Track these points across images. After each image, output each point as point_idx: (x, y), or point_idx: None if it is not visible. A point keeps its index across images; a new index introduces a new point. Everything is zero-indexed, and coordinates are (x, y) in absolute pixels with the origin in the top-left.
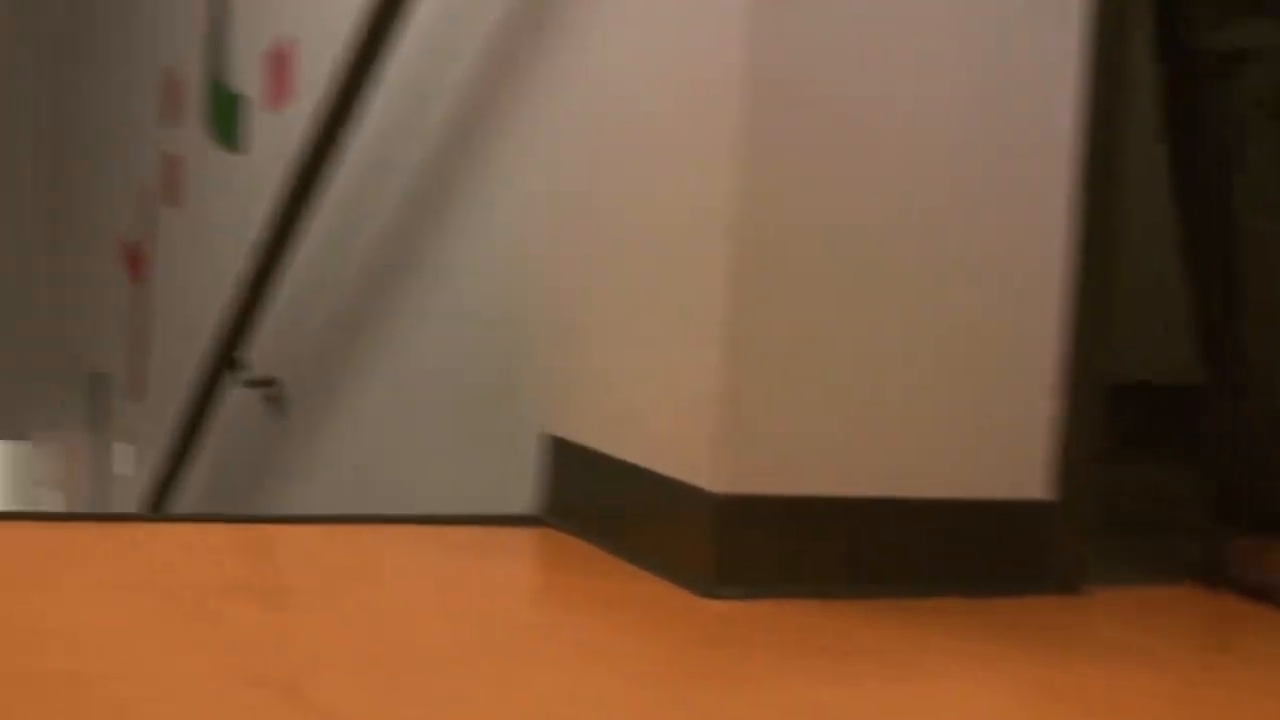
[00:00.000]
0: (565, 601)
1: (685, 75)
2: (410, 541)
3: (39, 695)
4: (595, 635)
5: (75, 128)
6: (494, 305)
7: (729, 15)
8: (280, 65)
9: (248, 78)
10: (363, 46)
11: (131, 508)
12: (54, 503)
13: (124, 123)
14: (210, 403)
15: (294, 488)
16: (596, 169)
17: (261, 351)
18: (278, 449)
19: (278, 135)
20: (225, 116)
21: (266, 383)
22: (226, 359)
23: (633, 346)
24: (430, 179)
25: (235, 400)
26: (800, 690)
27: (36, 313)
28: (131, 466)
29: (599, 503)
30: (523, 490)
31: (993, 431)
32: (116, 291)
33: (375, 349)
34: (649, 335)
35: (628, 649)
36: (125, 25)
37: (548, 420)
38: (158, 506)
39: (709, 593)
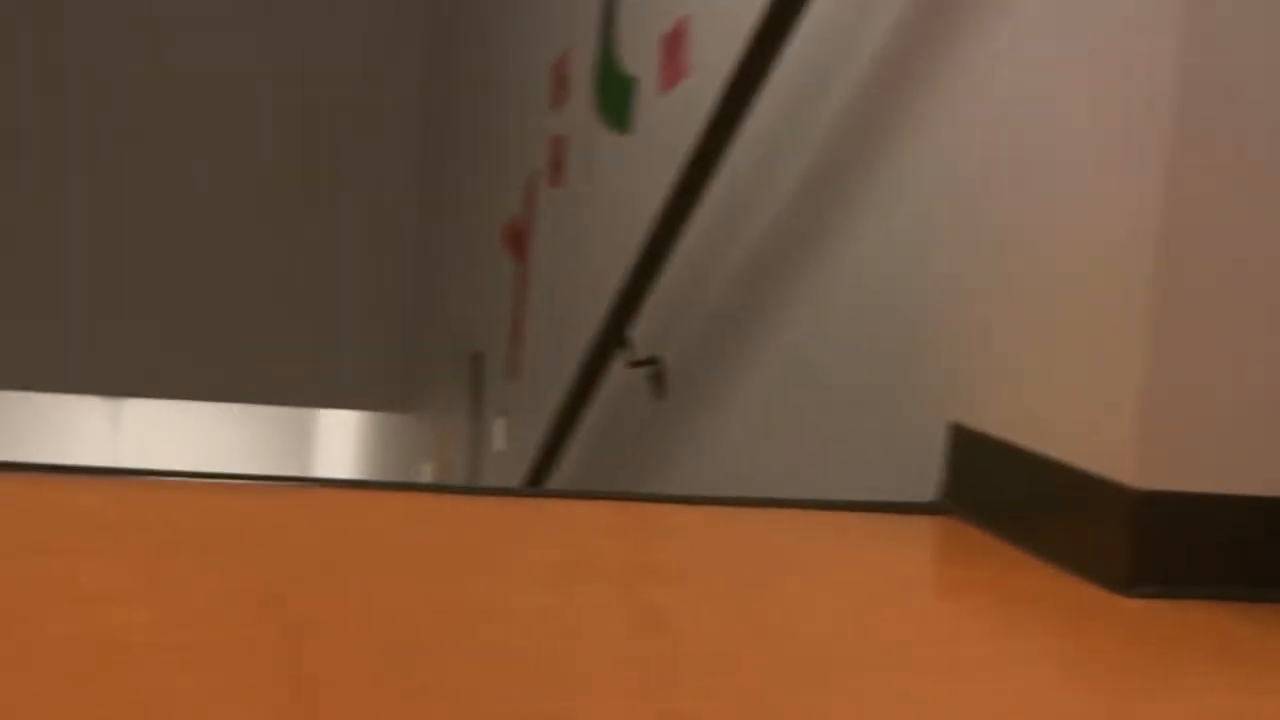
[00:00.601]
0: (976, 594)
1: (1109, 76)
2: (805, 527)
3: (490, 670)
4: (1008, 630)
5: (464, 115)
6: (891, 292)
7: (1161, 15)
8: (674, 46)
9: (639, 59)
10: (765, 28)
11: (504, 483)
12: (425, 475)
13: (513, 108)
14: (595, 381)
15: (673, 467)
16: (1008, 167)
17: (645, 330)
18: (657, 427)
19: (664, 116)
20: (617, 100)
21: (650, 362)
22: (615, 338)
23: (1047, 341)
24: (826, 168)
25: (616, 378)
26: (1221, 697)
27: (423, 292)
28: (505, 443)
29: (1006, 494)
30: (916, 478)
31: None
32: (499, 273)
33: (762, 331)
34: (1066, 330)
35: (1043, 645)
36: (516, 14)
37: (947, 409)
38: (536, 482)
39: (1123, 590)
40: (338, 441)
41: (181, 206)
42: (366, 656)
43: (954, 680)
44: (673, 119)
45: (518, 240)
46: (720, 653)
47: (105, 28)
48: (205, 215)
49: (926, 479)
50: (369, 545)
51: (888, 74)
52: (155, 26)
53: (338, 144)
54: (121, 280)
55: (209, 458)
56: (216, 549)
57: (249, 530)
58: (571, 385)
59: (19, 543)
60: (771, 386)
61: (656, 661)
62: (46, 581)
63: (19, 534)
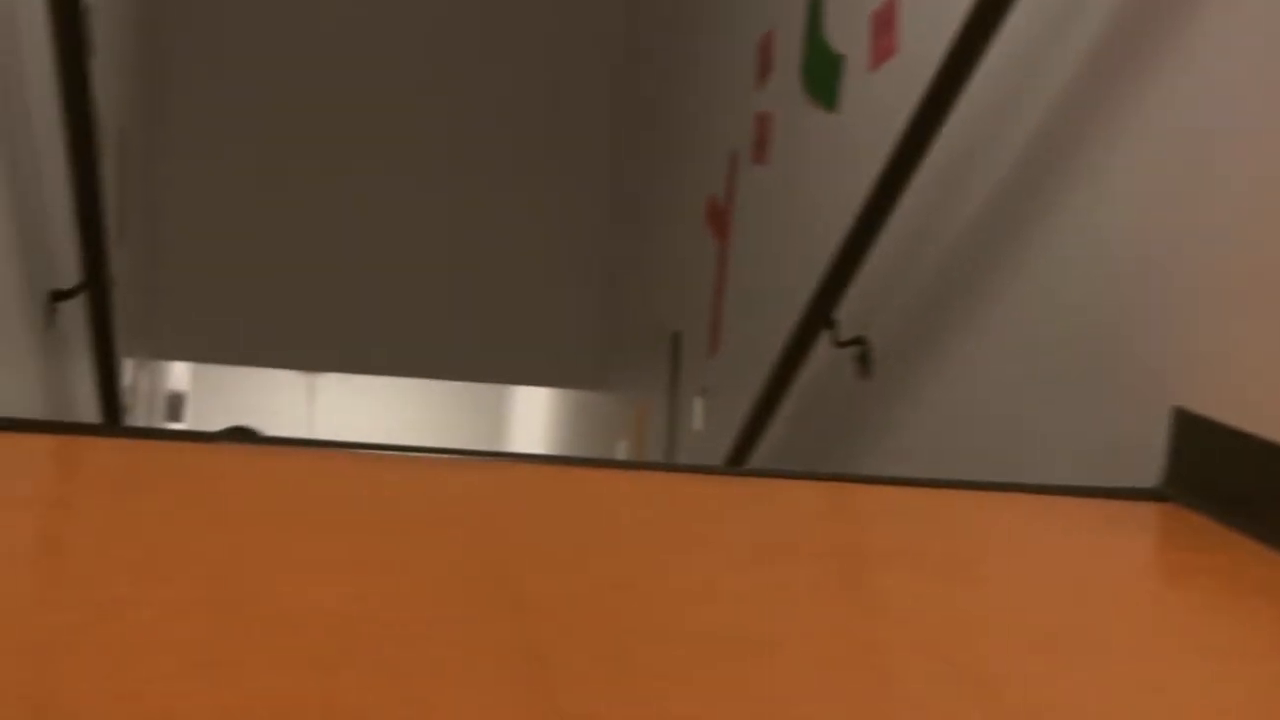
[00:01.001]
0: (1206, 582)
1: None
2: (1020, 510)
3: (711, 651)
4: (1245, 619)
5: (665, 91)
6: (1108, 274)
7: None
8: (884, 24)
9: (848, 37)
10: (982, 4)
11: (701, 462)
12: (620, 453)
13: (716, 85)
14: (799, 361)
15: (878, 448)
16: (1239, 143)
17: (852, 310)
18: (862, 408)
19: (872, 93)
20: (825, 77)
21: (856, 342)
22: (821, 318)
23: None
24: (1043, 143)
25: (821, 358)
26: None
27: (620, 270)
28: (702, 422)
29: (1233, 481)
30: (1133, 463)
31: None
32: (698, 250)
33: (972, 312)
34: None
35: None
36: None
37: (1168, 392)
38: (737, 462)
39: None
40: (530, 418)
41: (379, 184)
42: (591, 635)
43: (1192, 669)
44: (881, 97)
45: (718, 218)
46: (945, 638)
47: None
48: (404, 191)
49: (1144, 465)
50: (582, 521)
51: (1110, 44)
52: (376, 24)
53: (536, 119)
54: (321, 256)
55: (401, 433)
56: (431, 523)
57: (461, 504)
58: (775, 365)
59: (238, 514)
60: (981, 368)
61: (880, 645)
62: (266, 554)
63: (235, 505)
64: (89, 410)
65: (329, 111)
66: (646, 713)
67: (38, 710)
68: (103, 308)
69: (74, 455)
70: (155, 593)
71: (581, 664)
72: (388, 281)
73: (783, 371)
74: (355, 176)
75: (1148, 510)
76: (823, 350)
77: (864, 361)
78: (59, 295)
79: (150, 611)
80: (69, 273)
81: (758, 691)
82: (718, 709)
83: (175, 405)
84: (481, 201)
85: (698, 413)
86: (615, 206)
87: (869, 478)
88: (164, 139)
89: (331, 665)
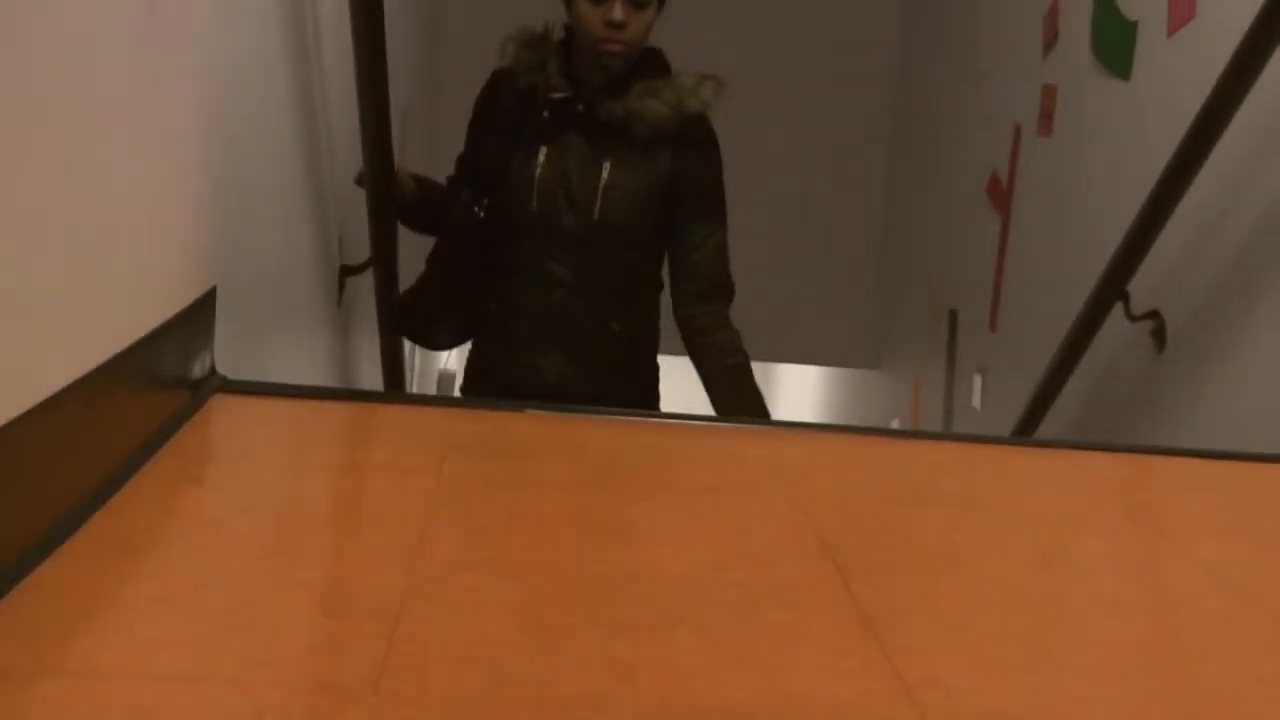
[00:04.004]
0: None
1: None
2: None
3: (1049, 616)
4: None
5: (941, 66)
6: None
7: None
8: None
9: (1141, 2)
10: None
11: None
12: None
13: (997, 60)
14: (1092, 333)
15: (1175, 424)
16: None
17: (1143, 284)
18: (1156, 383)
19: (1167, 60)
20: (1118, 44)
21: (1150, 316)
22: (1114, 292)
23: None
24: None
25: (1109, 333)
26: None
27: (894, 247)
28: (979, 400)
29: None
30: None
31: None
32: (976, 226)
33: (1276, 286)
34: None
35: None
36: None
37: None
38: (1024, 434)
39: None
40: (798, 395)
41: None
42: (924, 605)
43: None
44: (1177, 63)
45: (1000, 192)
46: None
47: None
48: None
49: None
50: (894, 490)
51: None
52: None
53: (812, 91)
54: None
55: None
56: (748, 491)
57: (774, 472)
58: (1066, 338)
59: (555, 480)
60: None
61: (1233, 617)
62: (589, 519)
63: (550, 471)
64: (374, 382)
65: None
66: (993, 679)
67: (382, 671)
68: (390, 283)
69: (378, 422)
70: (482, 555)
71: (919, 632)
72: None
73: (1073, 345)
74: None
75: None
76: (1113, 325)
77: (1159, 336)
78: (347, 270)
79: (479, 575)
80: (355, 250)
81: (1123, 664)
82: (1068, 682)
83: (446, 384)
84: (755, 177)
85: (976, 391)
86: (890, 182)
87: (1181, 450)
88: (444, 115)
89: (667, 629)
